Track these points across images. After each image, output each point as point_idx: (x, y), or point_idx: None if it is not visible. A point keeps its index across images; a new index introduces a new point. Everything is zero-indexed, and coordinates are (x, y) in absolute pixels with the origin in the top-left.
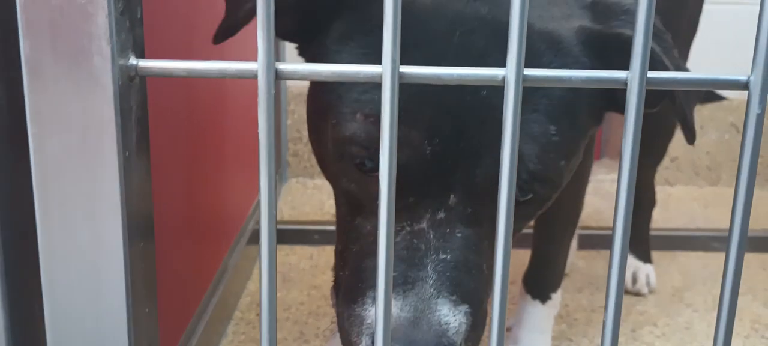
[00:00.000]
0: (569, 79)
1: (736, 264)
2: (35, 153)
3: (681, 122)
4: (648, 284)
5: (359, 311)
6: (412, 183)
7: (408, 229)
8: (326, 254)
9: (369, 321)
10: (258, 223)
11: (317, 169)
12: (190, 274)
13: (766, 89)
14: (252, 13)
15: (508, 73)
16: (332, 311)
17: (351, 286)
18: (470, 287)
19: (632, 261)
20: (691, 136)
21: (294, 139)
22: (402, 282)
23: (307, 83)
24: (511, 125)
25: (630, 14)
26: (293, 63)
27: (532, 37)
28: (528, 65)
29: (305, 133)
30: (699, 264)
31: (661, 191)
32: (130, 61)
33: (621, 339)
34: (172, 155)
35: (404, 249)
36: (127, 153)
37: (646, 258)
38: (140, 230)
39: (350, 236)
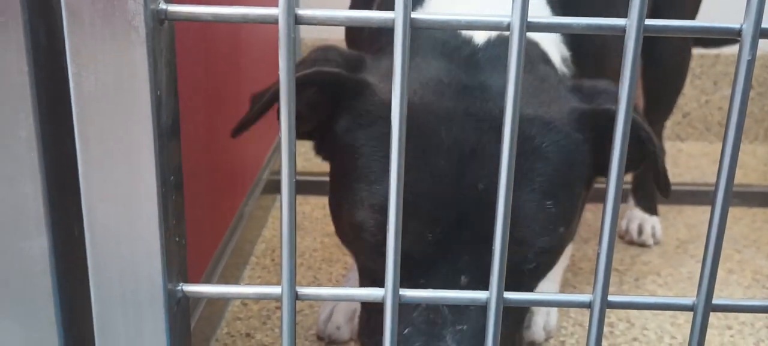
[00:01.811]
0: (571, 26)
1: (723, 204)
2: (74, 91)
3: (656, 179)
4: (653, 235)
5: None
6: (420, 267)
7: (421, 306)
8: None
9: None
10: (273, 173)
11: None
12: (208, 220)
13: (758, 37)
14: (264, 108)
15: (513, 20)
16: (344, 258)
17: (373, 327)
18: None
19: (638, 213)
20: (665, 191)
21: None
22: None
23: (321, 34)
24: (514, 74)
25: (610, 93)
26: (312, 9)
27: (523, 122)
28: (519, 147)
29: None
30: (705, 218)
31: (671, 147)
32: (160, 5)
33: (624, 287)
34: (190, 106)
35: (423, 323)
36: (158, 92)
37: (652, 211)
38: (170, 163)
39: (375, 306)
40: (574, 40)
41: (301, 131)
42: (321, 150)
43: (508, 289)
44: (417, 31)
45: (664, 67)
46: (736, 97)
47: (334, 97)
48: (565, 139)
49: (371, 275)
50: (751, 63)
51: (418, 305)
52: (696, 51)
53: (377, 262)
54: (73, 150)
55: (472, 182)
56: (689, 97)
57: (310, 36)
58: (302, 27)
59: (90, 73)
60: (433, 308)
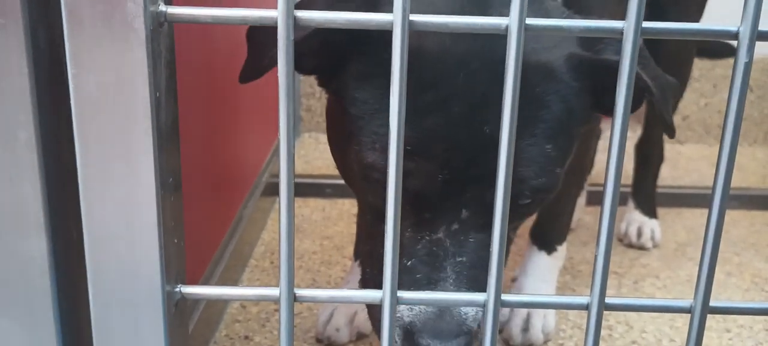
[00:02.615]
0: (570, 28)
1: (721, 205)
2: (74, 92)
3: (661, 121)
4: (652, 238)
5: None
6: (428, 203)
7: (427, 238)
8: (338, 207)
9: (400, 314)
10: (272, 176)
11: None
12: (207, 223)
13: (754, 40)
14: (275, 61)
15: (511, 23)
16: (343, 261)
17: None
18: (485, 280)
19: (638, 216)
20: (671, 134)
21: (307, 94)
22: (426, 283)
23: None
24: (513, 75)
25: (612, 39)
26: (311, 11)
27: (526, 69)
28: (522, 94)
29: (318, 88)
30: (704, 221)
31: (671, 149)
32: (159, 7)
33: (623, 290)
34: (190, 108)
35: (426, 255)
36: (157, 93)
37: (651, 213)
38: (169, 164)
39: (377, 241)
40: None
41: (309, 66)
42: (327, 85)
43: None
44: None
45: (666, 70)
46: (734, 99)
47: (349, 39)
48: (565, 87)
49: (375, 213)
50: (748, 65)
51: (422, 238)
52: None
53: (382, 197)
54: (73, 151)
55: (481, 125)
56: (688, 100)
57: None
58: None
59: (90, 75)
60: (435, 241)
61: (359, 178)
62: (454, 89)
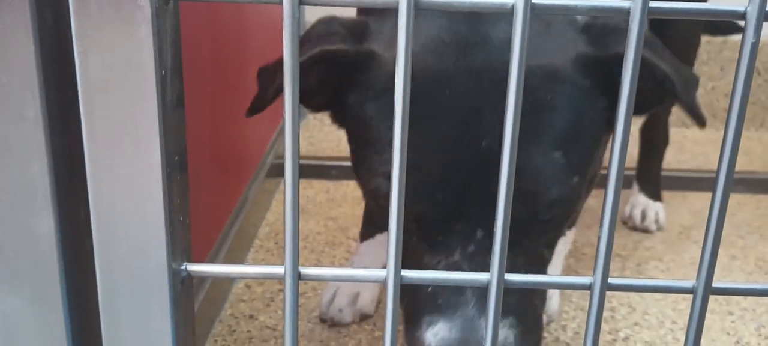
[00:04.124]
0: (576, 8)
1: (725, 185)
2: (80, 70)
3: (689, 112)
4: (656, 221)
5: (418, 334)
6: (435, 226)
7: (443, 261)
8: (342, 189)
9: (427, 343)
10: (277, 157)
11: None
12: (212, 203)
13: (762, 20)
14: (280, 90)
15: (516, 2)
16: (347, 242)
17: (410, 310)
18: (511, 301)
19: (642, 199)
20: (701, 123)
21: None
22: (447, 308)
23: (321, 15)
24: (518, 56)
25: (622, 33)
26: None
27: (527, 74)
28: (525, 100)
29: None
30: (709, 204)
31: (676, 133)
32: None
33: (626, 272)
34: (196, 88)
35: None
36: (163, 72)
37: (656, 197)
38: (175, 143)
39: (408, 257)
40: None
41: (316, 105)
42: (337, 120)
43: (526, 241)
44: None
45: (673, 52)
46: (740, 81)
47: (342, 71)
48: (572, 88)
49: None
50: (755, 46)
51: (439, 261)
52: (703, 37)
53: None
54: (80, 130)
55: (476, 140)
56: None
57: (315, 17)
58: (307, 8)
59: (96, 54)
60: (451, 264)
61: (373, 203)
62: (445, 108)
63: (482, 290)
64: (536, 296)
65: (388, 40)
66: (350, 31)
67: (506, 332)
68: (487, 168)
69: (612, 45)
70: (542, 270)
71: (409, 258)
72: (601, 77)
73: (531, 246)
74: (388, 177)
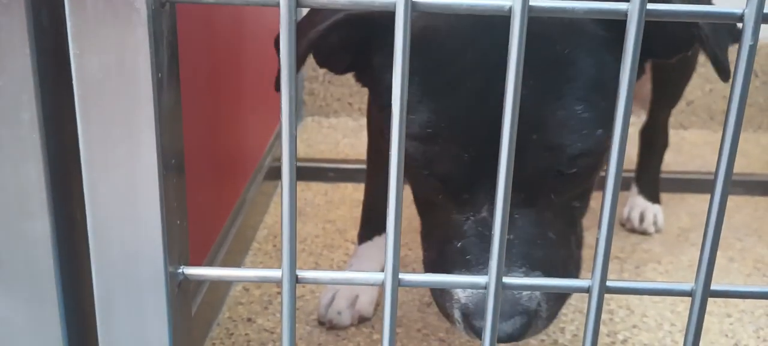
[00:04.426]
0: (573, 10)
1: (723, 187)
2: (76, 72)
3: (713, 63)
4: (655, 223)
5: (447, 292)
6: (462, 185)
7: (471, 218)
8: (340, 191)
9: (457, 297)
10: (275, 160)
11: (333, 107)
12: (210, 206)
13: (759, 22)
14: (305, 56)
15: (513, 4)
16: (345, 244)
17: (439, 265)
18: (539, 256)
19: (641, 201)
20: (725, 75)
21: (310, 77)
22: (475, 263)
23: None
24: (516, 58)
25: None
26: None
27: (546, 26)
28: (544, 54)
29: (321, 72)
30: (707, 207)
31: (675, 135)
32: None
33: (624, 275)
34: (193, 91)
35: (474, 236)
36: (159, 74)
37: (654, 199)
38: (172, 146)
39: (429, 222)
40: None
41: (339, 67)
42: (360, 80)
43: (554, 195)
44: None
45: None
46: (738, 83)
47: (367, 33)
48: (593, 40)
49: (426, 202)
50: (752, 48)
51: (467, 218)
52: None
53: (425, 186)
54: (76, 132)
55: (499, 99)
56: (693, 85)
57: None
58: (303, 10)
59: (92, 55)
60: (479, 220)
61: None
62: (466, 67)
63: (510, 245)
64: (572, 243)
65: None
66: None
67: (530, 294)
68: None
69: None
70: (575, 223)
71: (434, 216)
72: (618, 30)
73: (559, 200)
74: (414, 138)
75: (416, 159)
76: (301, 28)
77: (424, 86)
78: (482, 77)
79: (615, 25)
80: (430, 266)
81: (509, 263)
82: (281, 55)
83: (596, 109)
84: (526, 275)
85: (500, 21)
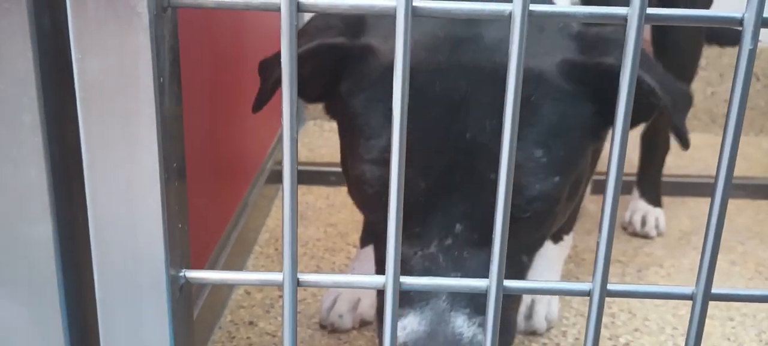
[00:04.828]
0: (574, 15)
1: (724, 190)
2: (78, 76)
3: (674, 132)
4: (656, 227)
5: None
6: (416, 215)
7: (419, 253)
8: (342, 195)
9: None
10: (276, 163)
11: None
12: (212, 210)
13: (759, 26)
14: (278, 83)
15: (514, 9)
16: (347, 248)
17: (382, 303)
18: (482, 301)
19: (642, 205)
20: (685, 144)
21: None
22: (418, 300)
23: None
24: (516, 62)
25: (613, 43)
26: None
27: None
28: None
29: None
30: (708, 210)
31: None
32: None
33: (626, 278)
34: (194, 95)
35: (420, 271)
36: (161, 79)
37: (656, 202)
38: (173, 150)
39: (380, 253)
40: None
41: (310, 95)
42: (329, 111)
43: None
44: None
45: (675, 57)
46: (738, 87)
47: (338, 63)
48: (557, 92)
49: (374, 228)
50: (752, 52)
51: (415, 253)
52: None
53: (378, 213)
54: (77, 135)
55: (461, 131)
56: (695, 89)
57: None
58: (304, 14)
59: (93, 59)
60: (427, 256)
61: (356, 193)
62: (432, 97)
63: (458, 271)
64: (509, 296)
65: (386, 33)
66: (348, 24)
67: (474, 331)
68: (470, 160)
69: (599, 54)
70: (520, 276)
71: (384, 247)
72: (588, 84)
73: (511, 246)
74: (373, 162)
75: (372, 184)
76: (277, 58)
77: (389, 113)
78: (448, 112)
79: (580, 78)
80: (378, 296)
81: (452, 302)
82: (282, 59)
83: (555, 157)
84: (469, 317)
85: (472, 61)
